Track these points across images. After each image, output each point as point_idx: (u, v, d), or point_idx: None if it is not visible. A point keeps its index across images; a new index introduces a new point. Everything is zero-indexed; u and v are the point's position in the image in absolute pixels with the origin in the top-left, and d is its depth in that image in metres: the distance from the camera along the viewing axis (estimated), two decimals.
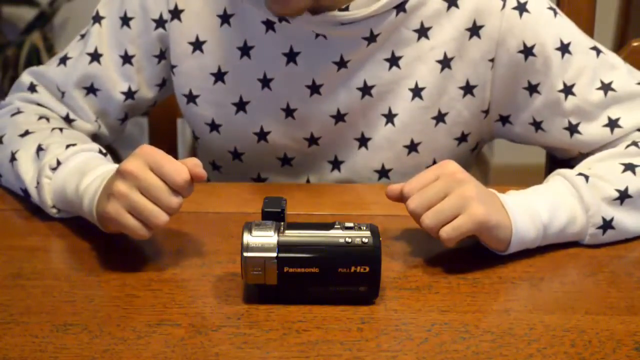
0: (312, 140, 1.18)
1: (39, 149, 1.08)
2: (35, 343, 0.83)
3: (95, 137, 1.21)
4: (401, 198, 0.97)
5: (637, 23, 2.70)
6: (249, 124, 1.18)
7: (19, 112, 1.17)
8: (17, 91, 1.22)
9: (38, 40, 2.35)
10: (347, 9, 1.06)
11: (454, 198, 0.94)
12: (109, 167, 1.02)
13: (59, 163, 1.04)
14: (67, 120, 1.19)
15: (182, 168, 0.91)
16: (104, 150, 1.08)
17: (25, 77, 1.22)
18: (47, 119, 1.16)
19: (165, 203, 0.91)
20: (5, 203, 1.11)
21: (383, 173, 1.19)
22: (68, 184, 1.02)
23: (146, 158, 0.92)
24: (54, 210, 1.05)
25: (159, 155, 0.92)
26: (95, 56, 1.18)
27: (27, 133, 1.11)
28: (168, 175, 0.91)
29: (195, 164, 0.92)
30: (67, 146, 1.06)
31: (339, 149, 1.19)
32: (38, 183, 1.05)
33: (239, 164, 1.22)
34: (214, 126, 1.19)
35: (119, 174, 0.92)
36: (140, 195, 0.91)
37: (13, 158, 1.09)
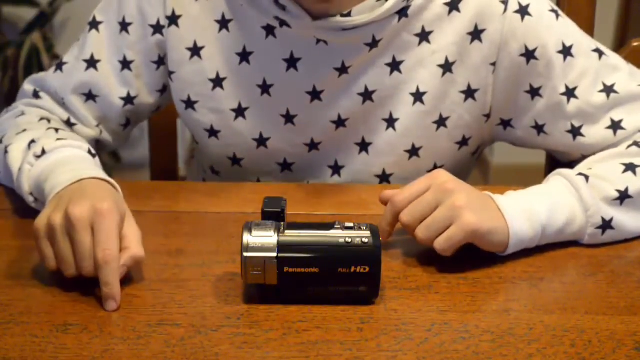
0: (313, 146, 1.18)
1: (32, 142, 1.07)
2: (35, 343, 0.83)
3: (97, 143, 1.21)
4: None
5: (637, 23, 2.70)
6: (248, 130, 1.17)
7: (22, 114, 1.17)
8: (22, 98, 1.23)
9: (38, 40, 2.34)
10: (349, 14, 1.06)
11: (444, 209, 0.94)
12: (88, 170, 0.99)
13: (43, 152, 1.04)
14: (69, 124, 1.18)
15: (114, 255, 0.88)
16: (93, 151, 1.07)
17: (28, 86, 1.22)
18: (49, 120, 1.16)
19: (80, 263, 0.89)
20: (5, 203, 1.11)
21: (384, 178, 1.18)
22: (46, 172, 1.01)
23: (96, 215, 0.89)
24: (31, 199, 1.04)
25: (108, 223, 0.89)
26: (92, 62, 1.17)
27: (24, 131, 1.12)
28: (97, 245, 0.88)
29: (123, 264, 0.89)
30: (57, 139, 1.06)
31: (340, 153, 1.19)
32: (20, 169, 1.04)
33: (238, 170, 1.22)
34: (212, 132, 1.18)
35: (66, 211, 0.89)
36: (68, 243, 0.89)
37: (6, 151, 1.10)
